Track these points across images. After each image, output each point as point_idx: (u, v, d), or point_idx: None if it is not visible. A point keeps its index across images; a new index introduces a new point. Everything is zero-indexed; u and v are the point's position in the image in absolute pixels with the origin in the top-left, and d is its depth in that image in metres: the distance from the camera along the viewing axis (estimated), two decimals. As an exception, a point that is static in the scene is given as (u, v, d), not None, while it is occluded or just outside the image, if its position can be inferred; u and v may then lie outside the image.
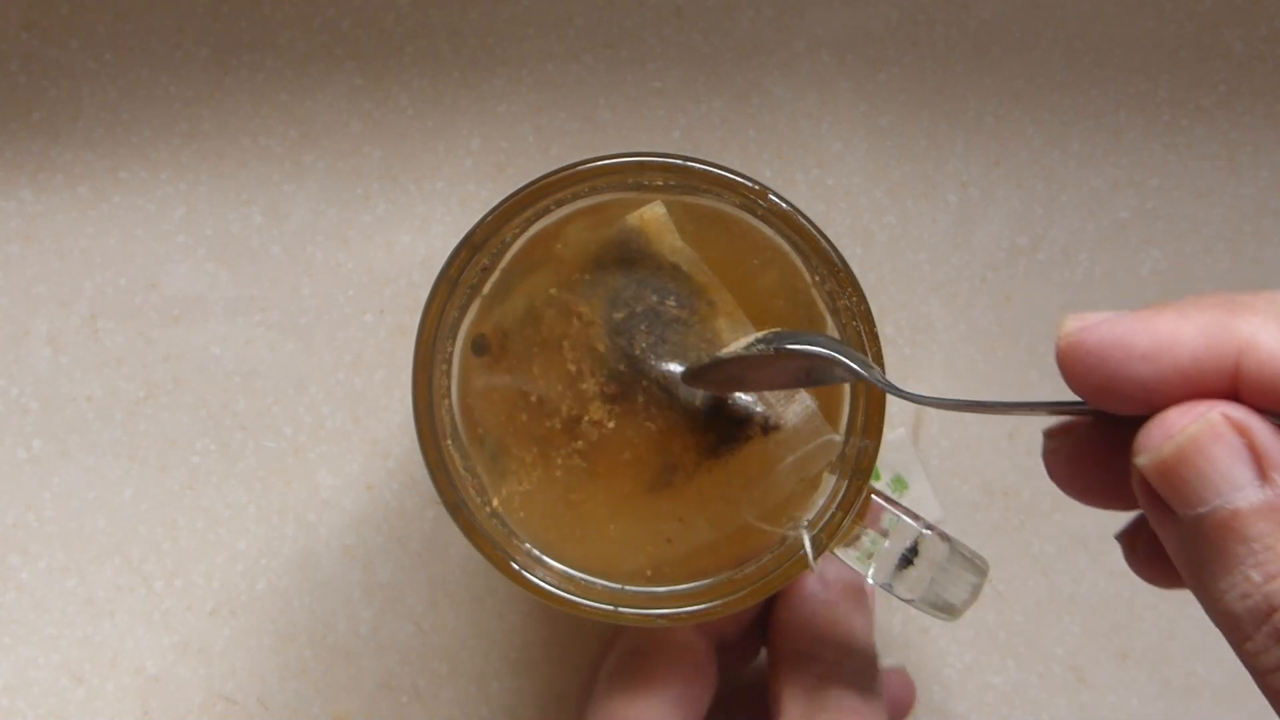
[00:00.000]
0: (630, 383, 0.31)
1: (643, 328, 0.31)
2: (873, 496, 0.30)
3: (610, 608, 0.30)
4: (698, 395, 0.31)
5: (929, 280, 0.40)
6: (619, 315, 0.31)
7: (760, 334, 0.28)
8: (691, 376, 0.30)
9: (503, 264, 0.32)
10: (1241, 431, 0.18)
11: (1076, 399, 0.20)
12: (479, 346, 0.31)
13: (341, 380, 0.39)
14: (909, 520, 0.30)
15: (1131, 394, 0.18)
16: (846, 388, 0.31)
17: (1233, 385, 0.18)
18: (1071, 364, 0.19)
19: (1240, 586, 0.18)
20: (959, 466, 0.39)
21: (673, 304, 0.31)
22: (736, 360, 0.28)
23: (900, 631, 0.39)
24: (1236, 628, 0.18)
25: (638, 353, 0.31)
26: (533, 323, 0.32)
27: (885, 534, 0.30)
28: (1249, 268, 0.40)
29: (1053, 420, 0.22)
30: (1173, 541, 0.19)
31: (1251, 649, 0.18)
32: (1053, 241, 0.40)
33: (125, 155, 0.39)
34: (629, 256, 0.31)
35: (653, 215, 0.31)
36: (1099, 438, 0.21)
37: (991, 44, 0.40)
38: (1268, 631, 0.17)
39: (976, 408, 0.22)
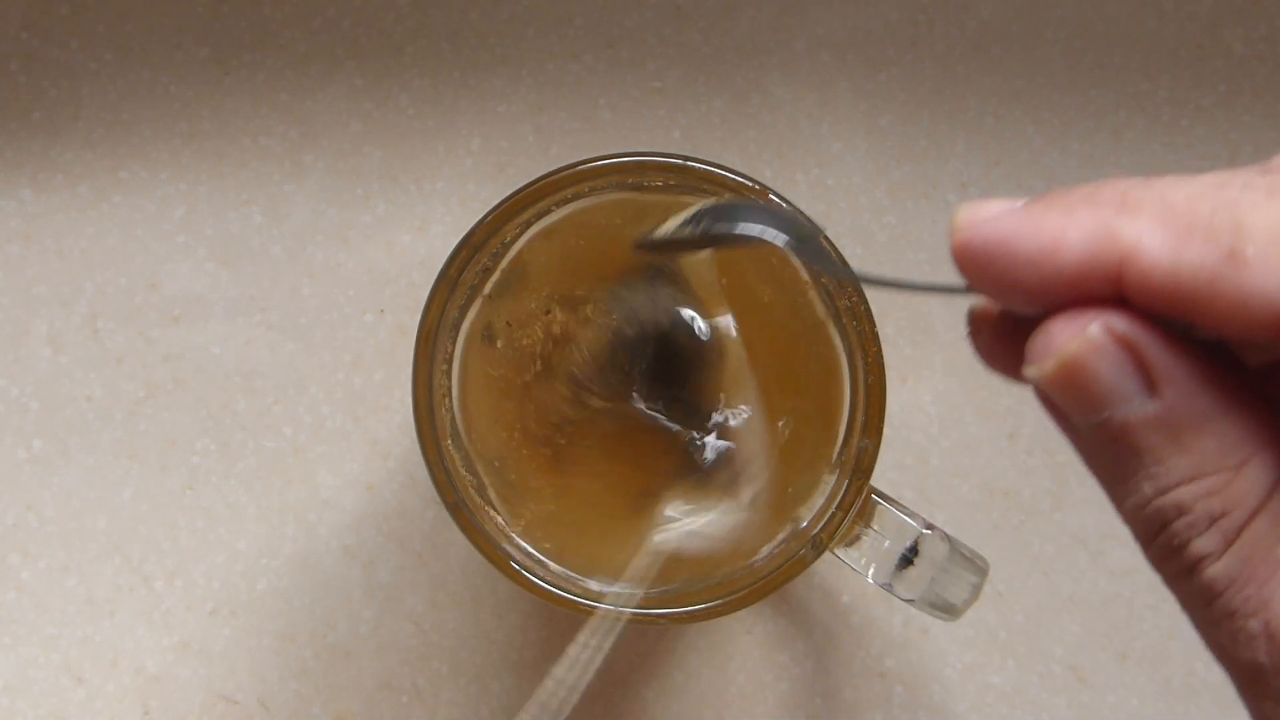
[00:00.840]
0: (628, 388, 0.31)
1: (647, 349, 0.31)
2: (873, 496, 0.30)
3: (610, 607, 0.30)
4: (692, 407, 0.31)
5: (929, 280, 0.40)
6: (627, 329, 0.31)
7: (692, 210, 0.27)
8: (639, 246, 0.28)
9: (503, 264, 0.32)
10: (1125, 344, 0.17)
11: None
12: (488, 334, 0.31)
13: (341, 380, 0.39)
14: (909, 520, 0.30)
15: (1021, 296, 0.18)
16: (846, 388, 0.32)
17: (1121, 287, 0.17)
18: (962, 264, 0.18)
19: (1133, 498, 0.18)
20: (959, 466, 0.39)
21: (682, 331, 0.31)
22: (676, 240, 0.27)
23: (900, 631, 0.39)
24: (1137, 534, 0.18)
25: (639, 368, 0.31)
26: (537, 324, 0.32)
27: (885, 534, 0.30)
28: (1249, 268, 0.40)
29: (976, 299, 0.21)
30: (1074, 442, 0.19)
31: (1150, 555, 0.18)
32: (1053, 241, 0.40)
33: (125, 155, 0.39)
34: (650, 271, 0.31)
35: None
36: (1014, 320, 0.20)
37: (991, 44, 0.40)
38: (1161, 543, 0.18)
39: (884, 284, 0.22)
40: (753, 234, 0.25)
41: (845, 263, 0.26)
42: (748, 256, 0.32)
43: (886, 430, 0.30)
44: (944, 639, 0.39)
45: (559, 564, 0.32)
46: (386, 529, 0.38)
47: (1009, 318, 0.20)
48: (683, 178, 0.31)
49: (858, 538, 0.30)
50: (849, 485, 0.30)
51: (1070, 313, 0.18)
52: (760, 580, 0.30)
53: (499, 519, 0.32)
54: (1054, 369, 0.18)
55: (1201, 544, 0.17)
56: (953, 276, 0.19)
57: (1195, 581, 0.17)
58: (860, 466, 0.30)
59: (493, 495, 0.32)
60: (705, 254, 0.30)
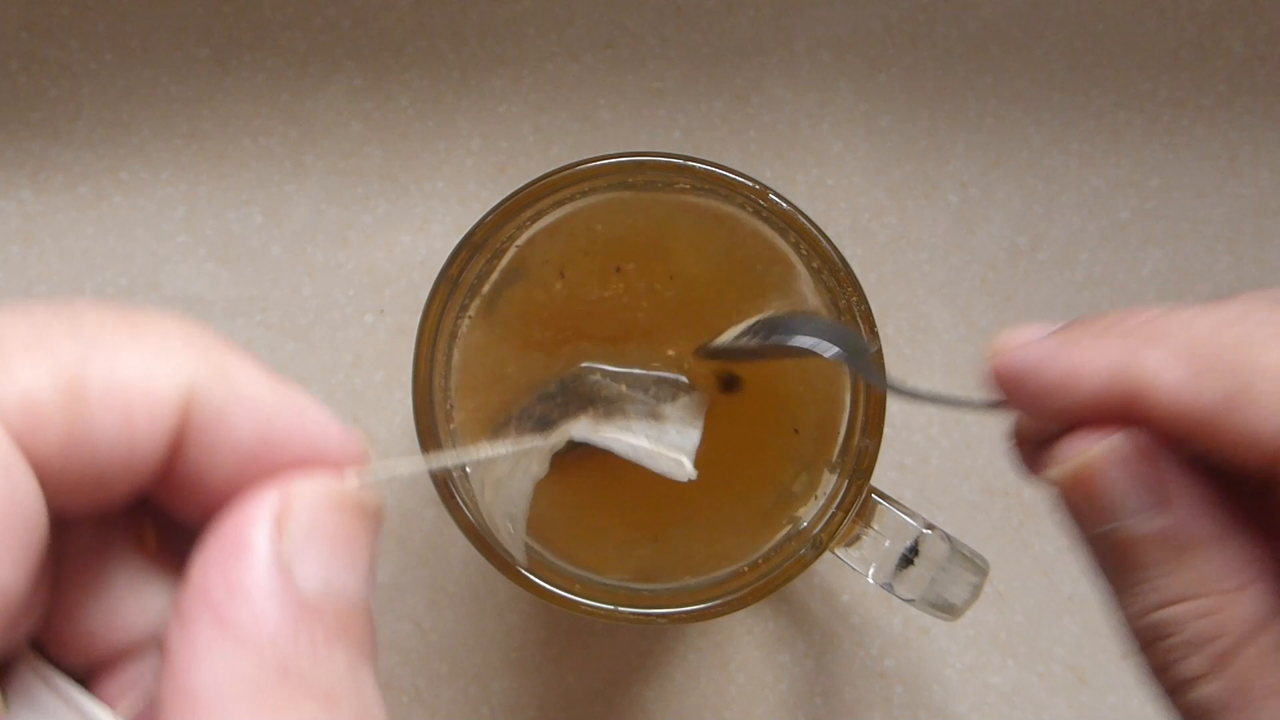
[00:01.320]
0: (624, 392, 0.31)
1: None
2: (873, 496, 0.30)
3: (610, 607, 0.30)
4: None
5: (929, 280, 0.40)
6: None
7: (751, 322, 0.29)
8: (700, 354, 0.31)
9: (503, 264, 0.32)
10: (1139, 458, 0.18)
11: None
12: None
13: (341, 380, 0.39)
14: (909, 520, 0.30)
15: (1050, 415, 0.19)
16: (847, 388, 0.32)
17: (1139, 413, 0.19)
18: (999, 384, 0.20)
19: (1134, 606, 0.19)
20: (959, 466, 0.39)
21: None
22: (736, 349, 0.29)
23: (900, 631, 0.39)
24: (1135, 641, 0.19)
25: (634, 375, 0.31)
26: (540, 324, 0.32)
27: (885, 534, 0.30)
28: (1249, 268, 0.40)
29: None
30: (1086, 544, 0.20)
31: (1145, 662, 0.19)
32: (1053, 241, 0.40)
33: (125, 155, 0.39)
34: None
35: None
36: (1052, 435, 0.21)
37: (991, 44, 0.40)
38: (1153, 656, 0.19)
39: (930, 400, 0.23)
40: (807, 346, 0.26)
41: (896, 382, 0.27)
42: (747, 256, 0.32)
43: (886, 430, 0.30)
44: (944, 639, 0.39)
45: (559, 564, 0.32)
46: (386, 529, 0.38)
47: (1047, 433, 0.21)
48: (683, 177, 0.31)
49: (858, 538, 0.30)
50: (849, 485, 0.30)
51: (1092, 428, 0.19)
52: (760, 580, 0.30)
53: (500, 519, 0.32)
54: (1070, 473, 0.19)
55: (1191, 665, 0.18)
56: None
57: (1184, 700, 0.18)
58: (860, 466, 0.30)
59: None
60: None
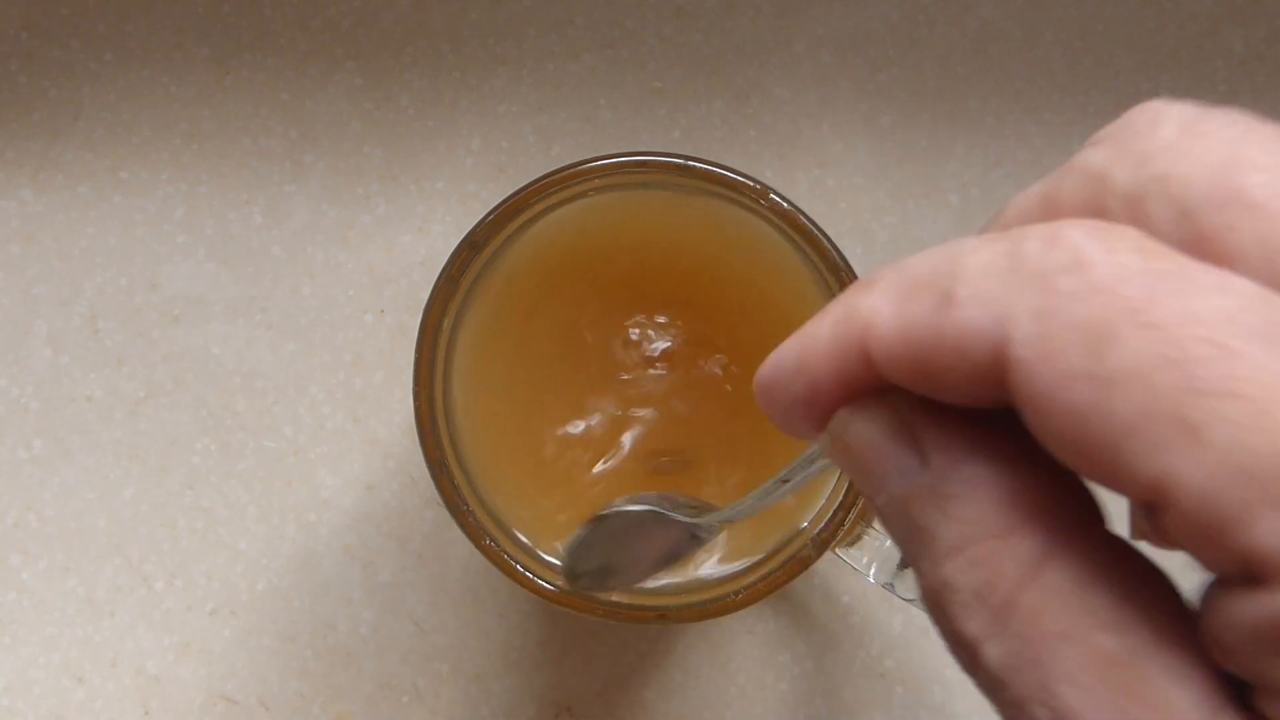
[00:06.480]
0: (627, 392, 0.31)
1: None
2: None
3: (610, 607, 0.30)
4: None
5: (929, 280, 0.40)
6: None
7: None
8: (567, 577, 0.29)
9: (503, 264, 0.32)
10: (890, 412, 0.16)
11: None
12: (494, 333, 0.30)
13: (341, 380, 0.39)
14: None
15: (802, 415, 0.17)
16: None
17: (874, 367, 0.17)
18: (764, 409, 0.18)
19: (922, 577, 0.17)
20: (959, 466, 0.39)
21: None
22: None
23: (900, 631, 0.39)
24: (929, 612, 0.17)
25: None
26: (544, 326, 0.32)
27: (886, 534, 0.30)
28: (1249, 268, 0.40)
29: None
30: (879, 517, 0.18)
31: (941, 636, 0.17)
32: (1053, 241, 0.40)
33: (125, 155, 0.39)
34: None
35: None
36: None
37: (991, 44, 0.40)
38: (942, 628, 0.16)
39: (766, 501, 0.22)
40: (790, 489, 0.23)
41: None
42: (748, 256, 0.32)
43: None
44: (944, 639, 0.39)
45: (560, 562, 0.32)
46: (386, 529, 0.38)
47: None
48: (684, 177, 0.31)
49: (859, 537, 0.30)
50: (850, 485, 0.30)
51: (842, 400, 0.17)
52: (760, 580, 0.30)
53: (500, 519, 0.32)
54: (829, 445, 0.17)
55: (972, 626, 0.15)
56: None
57: (982, 675, 0.16)
58: (861, 466, 0.30)
59: (493, 495, 0.32)
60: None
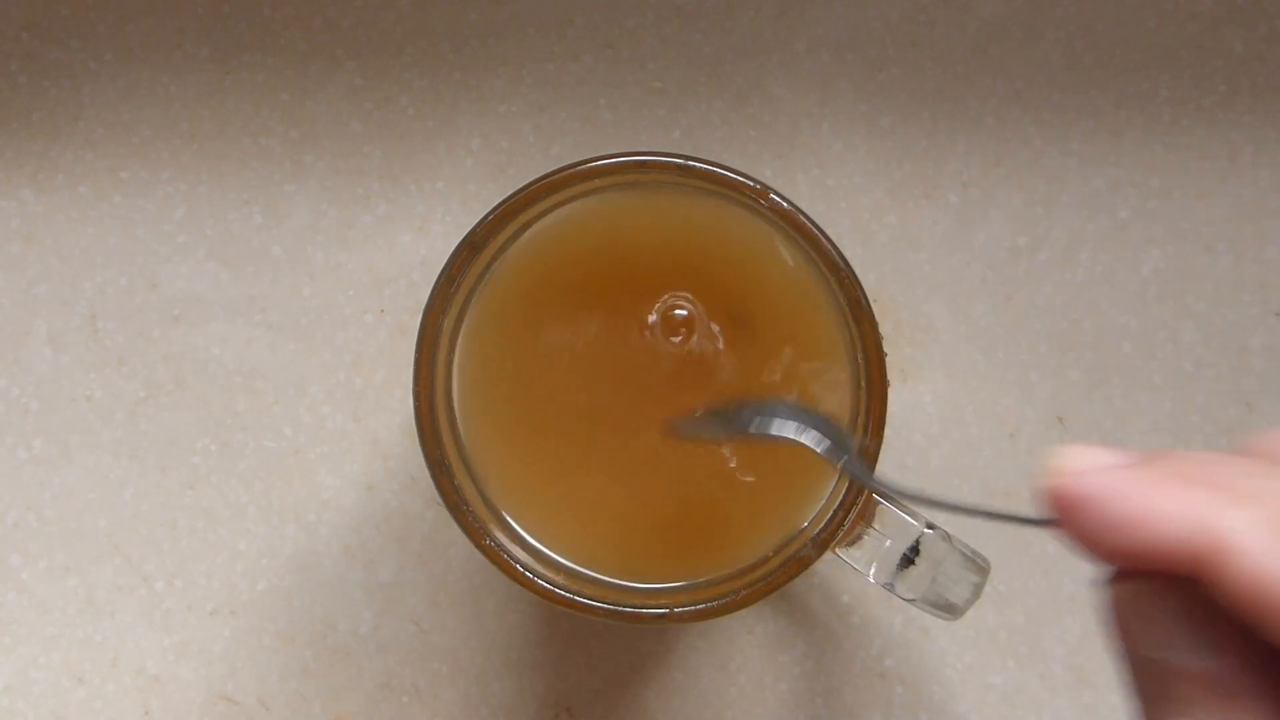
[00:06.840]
0: (627, 392, 0.31)
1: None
2: (874, 496, 0.30)
3: (610, 607, 0.30)
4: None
5: (929, 280, 0.40)
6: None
7: (730, 402, 0.29)
8: (670, 432, 0.30)
9: (503, 264, 0.32)
10: (1202, 598, 0.18)
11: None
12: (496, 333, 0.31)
13: (341, 380, 0.39)
14: (910, 520, 0.30)
15: (1104, 550, 0.19)
16: (849, 389, 0.32)
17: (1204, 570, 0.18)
18: (1057, 507, 0.19)
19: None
20: (959, 466, 0.39)
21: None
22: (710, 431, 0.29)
23: (900, 631, 0.39)
24: None
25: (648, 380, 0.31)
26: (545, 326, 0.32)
27: (886, 533, 0.30)
28: (1249, 268, 0.40)
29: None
30: (1126, 659, 0.20)
31: None
32: (1053, 241, 0.40)
33: (125, 155, 0.39)
34: None
35: None
36: None
37: (991, 44, 0.40)
38: None
39: (956, 509, 0.22)
40: (788, 434, 0.25)
41: (880, 480, 0.27)
42: (749, 256, 0.32)
43: (887, 430, 0.30)
44: (944, 639, 0.39)
45: (560, 563, 0.32)
46: (386, 529, 0.38)
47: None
48: (684, 177, 0.31)
49: (859, 537, 0.30)
50: (850, 485, 0.30)
51: (1152, 574, 0.19)
52: (760, 580, 0.30)
53: (500, 519, 0.32)
54: (1134, 592, 0.19)
55: None
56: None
57: None
58: (861, 466, 0.30)
59: (494, 495, 0.32)
60: None
